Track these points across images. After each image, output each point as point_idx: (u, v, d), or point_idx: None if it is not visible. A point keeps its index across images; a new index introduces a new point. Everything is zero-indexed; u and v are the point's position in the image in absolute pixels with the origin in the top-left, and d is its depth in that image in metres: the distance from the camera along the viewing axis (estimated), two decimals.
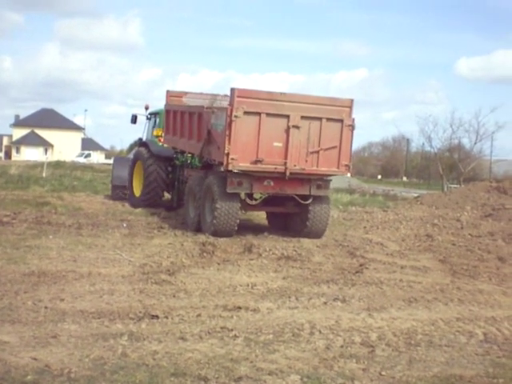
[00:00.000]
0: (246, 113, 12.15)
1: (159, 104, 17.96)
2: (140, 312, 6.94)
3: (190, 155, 16.20)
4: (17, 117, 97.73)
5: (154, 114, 19.14)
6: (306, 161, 12.65)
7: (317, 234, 13.46)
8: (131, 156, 20.74)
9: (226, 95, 15.60)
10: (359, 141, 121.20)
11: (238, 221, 12.83)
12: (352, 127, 12.94)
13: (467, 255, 12.39)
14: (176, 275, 8.99)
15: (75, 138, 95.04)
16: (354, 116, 12.98)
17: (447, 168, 56.20)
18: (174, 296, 7.87)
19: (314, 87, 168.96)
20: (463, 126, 54.01)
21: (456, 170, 55.89)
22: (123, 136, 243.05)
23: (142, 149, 17.89)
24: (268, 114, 12.29)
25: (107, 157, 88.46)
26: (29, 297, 7.37)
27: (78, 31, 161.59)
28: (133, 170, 18.32)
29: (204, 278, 8.95)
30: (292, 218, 14.08)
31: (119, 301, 7.44)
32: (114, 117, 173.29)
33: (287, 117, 12.39)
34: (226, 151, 12.17)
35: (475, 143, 54.59)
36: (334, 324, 6.96)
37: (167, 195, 17.83)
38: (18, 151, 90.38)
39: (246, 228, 13.88)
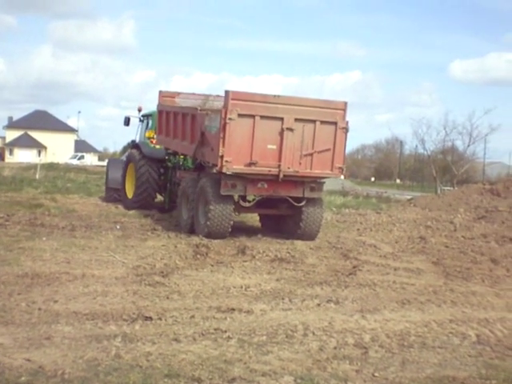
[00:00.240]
0: (240, 115, 12.15)
1: (153, 106, 17.96)
2: (134, 313, 6.94)
3: (182, 157, 16.21)
4: (10, 118, 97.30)
5: (147, 116, 19.13)
6: (300, 163, 12.67)
7: (310, 236, 13.48)
8: (124, 158, 20.74)
9: (218, 96, 15.65)
10: (353, 143, 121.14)
11: (231, 223, 12.83)
12: (346, 130, 12.97)
13: (460, 257, 12.44)
14: (170, 277, 8.99)
15: (68, 139, 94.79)
16: (347, 118, 13.03)
17: (440, 170, 56.47)
18: (167, 298, 7.86)
19: (307, 89, 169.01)
20: (457, 128, 54.46)
21: (449, 173, 56.15)
22: (116, 138, 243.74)
23: (134, 151, 17.88)
24: (262, 117, 12.30)
25: (100, 159, 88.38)
26: (22, 298, 7.35)
27: (71, 33, 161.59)
28: (125, 172, 18.29)
29: (198, 280, 8.95)
30: (285, 220, 14.09)
31: (113, 302, 7.44)
32: (107, 119, 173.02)
33: (281, 119, 12.40)
34: (220, 153, 12.17)
35: (468, 145, 54.99)
36: (327, 325, 6.98)
37: (160, 197, 17.83)
38: (11, 153, 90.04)
39: (240, 230, 13.88)
